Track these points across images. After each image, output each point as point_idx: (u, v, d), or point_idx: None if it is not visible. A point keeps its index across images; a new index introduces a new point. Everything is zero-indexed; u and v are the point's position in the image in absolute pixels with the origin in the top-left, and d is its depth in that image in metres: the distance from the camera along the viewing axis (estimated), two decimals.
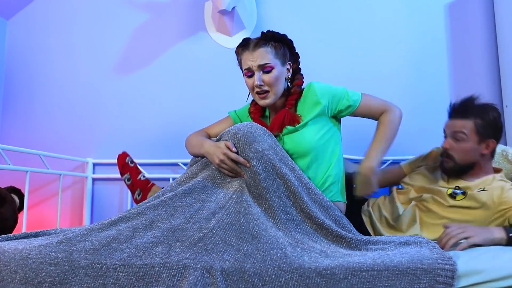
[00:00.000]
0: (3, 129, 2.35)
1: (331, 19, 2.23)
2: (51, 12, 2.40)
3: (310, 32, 2.22)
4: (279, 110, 1.50)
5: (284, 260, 1.08)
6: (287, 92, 1.51)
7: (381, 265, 1.04)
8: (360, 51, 2.18)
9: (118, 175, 2.23)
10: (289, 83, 1.51)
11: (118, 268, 1.11)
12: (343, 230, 1.28)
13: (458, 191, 1.44)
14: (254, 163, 1.29)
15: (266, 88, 1.43)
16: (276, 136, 1.45)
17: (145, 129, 2.26)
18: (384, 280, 1.02)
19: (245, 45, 1.47)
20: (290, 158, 1.36)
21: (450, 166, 1.48)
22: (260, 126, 1.37)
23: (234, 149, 1.31)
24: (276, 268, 1.07)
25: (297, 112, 1.48)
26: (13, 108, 2.37)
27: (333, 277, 1.04)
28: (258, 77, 1.42)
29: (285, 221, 1.24)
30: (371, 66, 2.16)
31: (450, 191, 1.45)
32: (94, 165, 2.26)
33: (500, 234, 1.21)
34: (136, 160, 2.21)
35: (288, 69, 1.49)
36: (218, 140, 1.39)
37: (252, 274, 1.06)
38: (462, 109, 1.46)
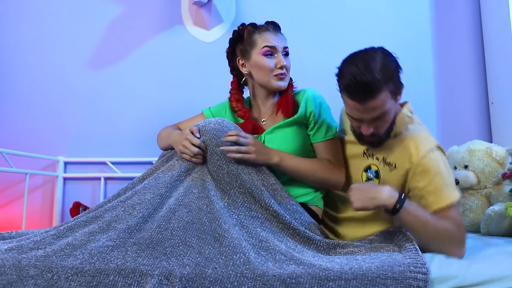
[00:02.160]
0: None
1: (312, 12, 2.16)
2: (21, 5, 2.29)
3: (290, 25, 2.14)
4: (270, 100, 1.47)
5: (247, 266, 1.01)
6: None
7: (349, 273, 0.97)
8: (343, 45, 2.10)
9: (91, 174, 2.15)
10: None
11: (70, 277, 1.03)
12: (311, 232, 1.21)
13: (372, 176, 1.32)
14: (219, 157, 1.23)
15: (285, 72, 1.42)
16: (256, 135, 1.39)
17: (119, 126, 2.17)
18: None
19: (260, 28, 1.44)
20: None
21: (374, 144, 1.27)
22: (231, 122, 1.32)
23: (197, 135, 1.26)
24: (238, 275, 0.99)
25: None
26: None
27: (298, 286, 0.97)
28: (283, 58, 1.41)
29: (250, 218, 1.17)
30: None
31: (364, 176, 1.33)
32: (66, 163, 2.17)
33: (391, 196, 1.11)
34: (109, 159, 2.13)
35: None
36: None
37: (214, 281, 0.99)
38: (368, 86, 1.11)
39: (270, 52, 1.40)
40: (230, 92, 1.52)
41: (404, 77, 2.00)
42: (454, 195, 1.15)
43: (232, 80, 1.52)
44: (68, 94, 2.21)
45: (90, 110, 2.19)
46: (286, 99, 1.42)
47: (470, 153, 1.72)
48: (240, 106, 1.47)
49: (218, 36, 2.18)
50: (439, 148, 1.23)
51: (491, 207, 1.53)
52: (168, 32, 2.22)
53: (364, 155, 1.33)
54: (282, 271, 0.99)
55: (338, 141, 1.42)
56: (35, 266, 1.05)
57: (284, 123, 1.40)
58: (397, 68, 1.18)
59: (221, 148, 1.23)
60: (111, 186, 2.14)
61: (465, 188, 1.70)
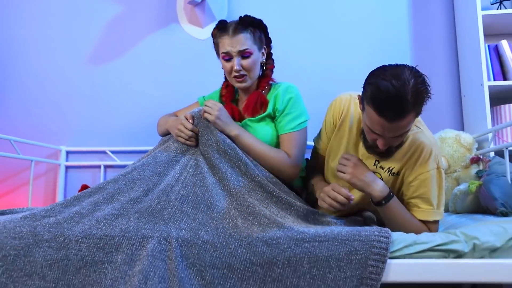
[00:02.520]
0: None
1: (301, 11, 2.31)
2: (24, 4, 2.43)
3: (281, 24, 2.30)
4: (252, 91, 1.58)
5: (234, 230, 1.16)
6: (260, 75, 1.59)
7: (322, 236, 1.12)
8: (328, 41, 2.27)
9: (91, 163, 2.28)
10: (263, 67, 1.59)
11: (80, 240, 1.17)
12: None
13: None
14: (210, 137, 1.39)
15: (244, 72, 1.51)
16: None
17: (117, 118, 2.31)
18: (325, 251, 1.10)
19: (223, 29, 1.52)
20: None
21: (383, 155, 1.31)
22: (222, 107, 1.47)
23: (191, 121, 1.42)
24: (227, 236, 1.14)
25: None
26: None
27: (278, 246, 1.12)
28: (237, 62, 1.49)
29: (238, 187, 1.32)
30: (339, 55, 2.25)
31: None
32: (68, 152, 2.31)
33: (381, 192, 1.23)
34: (108, 148, 2.27)
35: (263, 53, 1.58)
36: None
37: (205, 241, 1.13)
38: (401, 108, 1.12)
39: (226, 56, 1.51)
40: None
41: None
42: (440, 215, 1.30)
43: None
44: (70, 88, 2.35)
45: (90, 103, 2.33)
46: (252, 99, 1.54)
47: (441, 141, 1.88)
48: (225, 92, 1.62)
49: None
50: (439, 168, 1.29)
51: (457, 187, 1.69)
52: (164, 30, 2.37)
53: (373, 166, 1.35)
54: (264, 234, 1.14)
55: (301, 136, 1.50)
56: (49, 231, 1.19)
57: (255, 119, 1.54)
58: (427, 93, 1.15)
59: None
60: (111, 173, 2.28)
61: None
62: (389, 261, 1.09)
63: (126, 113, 2.31)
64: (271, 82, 1.61)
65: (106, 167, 2.28)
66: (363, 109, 1.22)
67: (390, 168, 1.32)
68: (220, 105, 1.44)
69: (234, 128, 1.44)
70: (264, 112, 1.54)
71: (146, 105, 2.31)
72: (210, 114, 1.41)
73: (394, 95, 1.10)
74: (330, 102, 1.46)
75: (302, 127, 1.52)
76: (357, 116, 1.39)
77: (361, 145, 1.37)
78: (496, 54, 1.97)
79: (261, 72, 1.60)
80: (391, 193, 1.25)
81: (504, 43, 1.94)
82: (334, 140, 1.44)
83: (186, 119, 1.43)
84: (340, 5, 2.29)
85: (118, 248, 1.15)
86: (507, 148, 1.57)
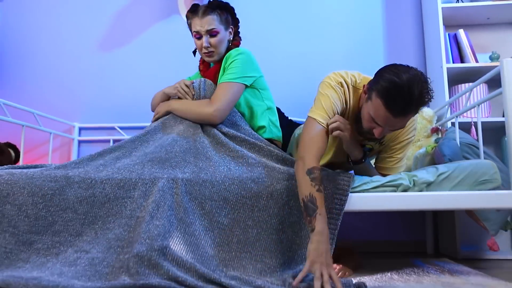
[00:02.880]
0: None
1: (286, 5, 2.61)
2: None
3: (266, 15, 2.59)
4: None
5: (229, 172, 1.46)
6: (226, 51, 1.84)
7: None
8: (308, 33, 2.57)
9: (101, 137, 2.57)
10: (230, 44, 1.86)
11: (104, 181, 1.46)
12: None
13: (366, 150, 1.57)
14: None
15: (212, 49, 1.78)
16: None
17: (124, 97, 2.60)
18: None
19: (194, 11, 1.79)
20: None
21: (375, 140, 1.54)
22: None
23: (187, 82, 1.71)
24: (222, 176, 1.44)
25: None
26: (6, 82, 2.66)
27: (263, 183, 1.41)
28: (205, 40, 1.76)
29: (229, 138, 1.63)
30: (318, 43, 2.55)
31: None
32: (80, 129, 2.59)
33: (359, 154, 1.51)
34: (117, 124, 2.55)
35: (230, 32, 1.84)
36: None
37: (205, 180, 1.43)
38: (409, 107, 1.27)
39: (197, 35, 1.79)
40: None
41: (360, 64, 2.43)
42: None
43: None
44: (83, 71, 2.63)
45: (100, 85, 2.62)
46: (212, 72, 1.81)
47: None
48: (202, 67, 1.90)
49: None
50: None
51: (418, 151, 1.99)
52: (166, 20, 2.66)
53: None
54: (252, 174, 1.44)
55: (231, 86, 1.66)
56: (79, 176, 1.47)
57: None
58: (430, 99, 1.29)
59: None
60: None
61: None
62: (350, 195, 1.39)
63: (132, 93, 2.60)
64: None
65: (114, 141, 2.56)
66: (368, 99, 1.32)
67: (380, 139, 1.55)
68: (178, 83, 1.74)
69: (167, 107, 1.74)
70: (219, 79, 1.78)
71: (149, 86, 2.60)
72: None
73: (405, 94, 1.21)
74: (338, 81, 1.48)
75: (235, 81, 1.67)
76: (353, 103, 1.49)
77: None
78: (455, 41, 2.28)
79: (228, 47, 1.84)
80: (366, 156, 1.54)
81: (461, 32, 2.25)
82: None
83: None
84: (321, 2, 2.60)
85: (135, 186, 1.44)
86: (457, 116, 1.87)
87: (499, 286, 1.30)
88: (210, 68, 1.85)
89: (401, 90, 1.22)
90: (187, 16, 1.85)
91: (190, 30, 1.86)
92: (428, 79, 1.28)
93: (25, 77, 2.65)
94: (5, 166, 1.67)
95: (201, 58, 1.92)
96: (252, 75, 1.75)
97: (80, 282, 1.19)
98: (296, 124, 2.07)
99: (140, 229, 1.33)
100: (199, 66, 1.94)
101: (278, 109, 2.04)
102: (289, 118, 2.12)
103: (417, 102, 1.25)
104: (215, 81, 1.78)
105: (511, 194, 1.35)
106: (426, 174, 1.39)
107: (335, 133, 1.39)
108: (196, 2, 2.51)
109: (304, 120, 1.48)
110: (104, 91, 2.61)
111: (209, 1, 1.81)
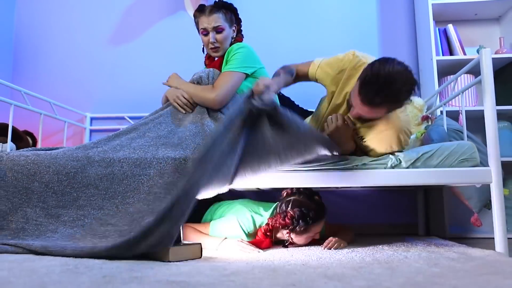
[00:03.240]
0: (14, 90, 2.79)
1: (285, 4, 2.76)
2: None
3: (268, 14, 2.74)
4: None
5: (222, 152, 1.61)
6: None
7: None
8: (306, 28, 2.72)
9: (111, 127, 2.71)
10: (233, 40, 2.02)
11: (122, 160, 1.61)
12: None
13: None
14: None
15: (217, 44, 1.95)
16: None
17: (133, 89, 2.75)
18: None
19: (201, 10, 1.97)
20: None
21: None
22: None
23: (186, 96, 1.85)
24: (221, 158, 1.59)
25: None
26: (22, 74, 2.81)
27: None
28: (212, 36, 1.93)
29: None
30: (317, 37, 2.70)
31: None
32: (92, 119, 2.74)
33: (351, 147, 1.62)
34: (126, 114, 2.70)
35: (233, 30, 2.01)
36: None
37: (207, 158, 1.57)
38: (379, 100, 1.35)
39: (205, 32, 1.96)
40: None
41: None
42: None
43: None
44: (94, 64, 2.78)
45: (111, 77, 2.77)
46: (216, 64, 1.96)
47: None
48: (208, 62, 2.06)
49: None
50: None
51: (410, 137, 2.14)
52: (173, 16, 2.81)
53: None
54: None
55: (231, 76, 1.82)
56: (98, 155, 1.63)
57: None
58: (405, 98, 1.36)
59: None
60: None
61: None
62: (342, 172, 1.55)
63: (140, 85, 2.75)
64: None
65: None
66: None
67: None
68: (172, 75, 1.96)
69: (178, 83, 1.90)
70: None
71: (156, 78, 2.70)
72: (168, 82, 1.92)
73: (380, 85, 1.26)
74: (357, 57, 1.65)
75: (236, 70, 1.84)
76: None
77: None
78: (445, 36, 2.43)
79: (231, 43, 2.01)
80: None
81: (450, 27, 2.40)
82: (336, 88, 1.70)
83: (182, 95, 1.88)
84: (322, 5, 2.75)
85: (150, 165, 1.59)
86: (444, 105, 2.02)
87: (476, 252, 1.46)
88: (215, 61, 2.00)
89: (377, 80, 1.27)
90: (194, 15, 2.02)
91: (197, 28, 2.03)
92: (416, 80, 1.32)
93: (40, 70, 2.80)
94: (29, 148, 1.82)
95: (206, 54, 2.08)
96: (252, 66, 1.91)
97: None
98: (308, 112, 2.21)
99: (155, 204, 1.49)
100: (205, 61, 2.10)
101: (288, 99, 2.19)
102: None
103: (390, 97, 1.29)
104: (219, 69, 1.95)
105: (488, 171, 1.50)
106: (411, 153, 1.55)
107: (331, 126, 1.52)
108: (202, 2, 2.67)
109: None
110: (114, 83, 2.76)
111: (215, 1, 1.99)
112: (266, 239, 1.73)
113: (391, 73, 1.29)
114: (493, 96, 1.51)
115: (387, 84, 1.29)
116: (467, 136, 1.82)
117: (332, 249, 1.59)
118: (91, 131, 2.73)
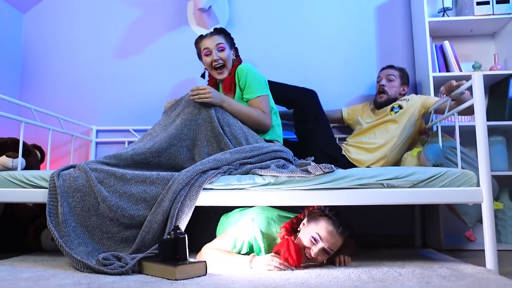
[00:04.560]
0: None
1: (288, 19, 2.83)
2: (60, 7, 2.93)
3: (268, 26, 2.81)
4: (227, 77, 2.12)
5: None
6: (232, 68, 2.13)
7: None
8: (307, 42, 2.79)
9: (117, 139, 2.79)
10: (234, 61, 2.14)
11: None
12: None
13: (396, 108, 2.33)
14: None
15: (221, 62, 2.06)
16: None
17: (138, 102, 2.82)
18: None
19: (202, 36, 2.14)
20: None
21: (383, 100, 2.37)
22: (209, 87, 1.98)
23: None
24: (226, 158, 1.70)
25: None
26: (29, 88, 2.89)
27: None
28: (215, 53, 2.06)
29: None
30: (316, 55, 2.77)
31: (392, 112, 2.34)
32: (97, 131, 2.81)
33: None
34: (131, 127, 2.77)
35: (233, 52, 2.14)
36: None
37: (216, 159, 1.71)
38: (391, 65, 2.43)
39: (208, 52, 2.08)
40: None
41: (355, 72, 2.66)
42: None
43: None
44: (99, 77, 2.86)
45: (116, 90, 2.84)
46: (228, 82, 2.07)
47: None
48: (211, 83, 2.21)
49: None
50: None
51: (407, 152, 2.21)
52: (177, 31, 2.88)
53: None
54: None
55: (266, 99, 2.02)
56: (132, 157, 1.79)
57: (235, 98, 2.09)
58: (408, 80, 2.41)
59: (190, 98, 1.87)
60: None
61: None
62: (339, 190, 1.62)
63: (144, 98, 2.82)
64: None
65: (129, 142, 2.78)
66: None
67: None
68: (208, 87, 1.86)
69: (224, 99, 1.93)
70: (236, 92, 2.08)
71: (160, 91, 2.82)
72: (207, 97, 1.83)
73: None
74: None
75: (262, 93, 2.03)
76: None
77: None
78: (441, 52, 2.50)
79: (232, 65, 2.13)
80: None
81: (446, 43, 2.47)
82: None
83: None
84: (319, 13, 2.81)
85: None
86: (440, 121, 2.09)
87: (468, 269, 1.53)
88: (225, 80, 2.10)
89: None
90: (196, 42, 2.15)
91: (199, 55, 2.15)
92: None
93: (47, 83, 2.88)
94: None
95: (209, 79, 2.17)
96: (266, 83, 2.09)
97: None
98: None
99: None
100: (208, 84, 2.21)
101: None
102: None
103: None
104: (231, 89, 2.07)
105: (479, 191, 1.57)
106: (394, 170, 1.65)
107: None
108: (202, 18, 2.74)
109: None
110: (119, 96, 2.84)
111: (214, 28, 2.14)
112: (291, 243, 1.53)
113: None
114: (484, 120, 1.58)
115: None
116: (462, 152, 1.90)
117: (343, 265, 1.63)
118: (97, 143, 2.80)
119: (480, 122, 1.58)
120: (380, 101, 2.40)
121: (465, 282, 1.29)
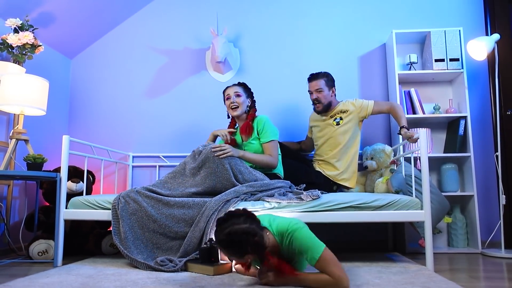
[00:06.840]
0: (72, 136, 3.53)
1: (283, 66, 3.49)
2: (102, 54, 3.60)
3: (273, 69, 3.47)
4: (244, 122, 2.79)
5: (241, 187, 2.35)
6: (247, 114, 2.80)
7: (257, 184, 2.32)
8: (300, 87, 3.44)
9: (149, 163, 3.44)
10: (249, 110, 2.80)
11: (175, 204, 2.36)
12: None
13: (338, 119, 2.91)
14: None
15: (236, 104, 2.74)
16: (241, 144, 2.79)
17: (166, 133, 3.48)
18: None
19: (229, 86, 2.81)
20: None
21: (320, 108, 2.90)
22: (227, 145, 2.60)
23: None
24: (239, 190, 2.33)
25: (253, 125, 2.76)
26: (77, 123, 3.55)
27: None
28: (233, 98, 2.74)
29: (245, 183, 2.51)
30: (307, 98, 3.41)
31: (334, 122, 2.92)
32: (133, 157, 3.47)
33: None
34: (161, 154, 3.43)
35: (249, 101, 2.80)
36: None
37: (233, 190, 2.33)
38: (315, 75, 2.91)
39: (228, 97, 2.78)
40: None
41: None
42: None
43: None
44: (134, 112, 3.52)
45: (147, 123, 3.50)
46: (245, 127, 2.73)
47: (373, 151, 3.05)
48: (230, 125, 2.88)
49: (229, 78, 3.50)
50: None
51: (378, 179, 2.86)
52: (197, 75, 3.54)
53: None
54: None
55: (275, 144, 2.66)
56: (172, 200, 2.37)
57: (251, 139, 2.74)
58: (333, 82, 2.94)
59: (214, 155, 2.47)
60: (163, 171, 3.44)
61: (371, 171, 3.04)
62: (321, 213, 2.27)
63: (172, 130, 3.48)
64: (254, 117, 2.80)
65: (159, 167, 3.44)
66: None
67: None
68: (225, 145, 2.46)
69: (240, 152, 2.57)
70: (252, 135, 2.73)
71: (185, 125, 3.48)
72: (228, 152, 2.44)
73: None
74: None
75: (274, 138, 2.67)
76: None
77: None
78: (409, 97, 3.16)
79: (248, 112, 2.79)
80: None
81: (412, 91, 3.14)
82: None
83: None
84: (312, 62, 3.47)
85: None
86: (402, 156, 2.74)
87: (413, 267, 2.19)
88: (243, 125, 2.76)
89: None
90: (224, 90, 2.83)
91: (224, 100, 2.82)
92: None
93: (91, 119, 3.54)
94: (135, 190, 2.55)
95: (231, 121, 2.86)
96: (277, 131, 2.74)
97: None
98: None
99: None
100: (229, 126, 2.86)
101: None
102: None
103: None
104: (246, 132, 2.71)
105: (422, 213, 2.23)
106: (381, 201, 2.30)
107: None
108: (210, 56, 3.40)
109: None
110: (151, 128, 3.50)
111: (238, 82, 2.83)
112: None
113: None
114: (426, 173, 2.26)
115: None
116: (419, 179, 2.56)
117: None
118: (133, 167, 3.46)
119: (425, 173, 2.25)
120: (319, 110, 2.94)
121: (406, 276, 1.95)
